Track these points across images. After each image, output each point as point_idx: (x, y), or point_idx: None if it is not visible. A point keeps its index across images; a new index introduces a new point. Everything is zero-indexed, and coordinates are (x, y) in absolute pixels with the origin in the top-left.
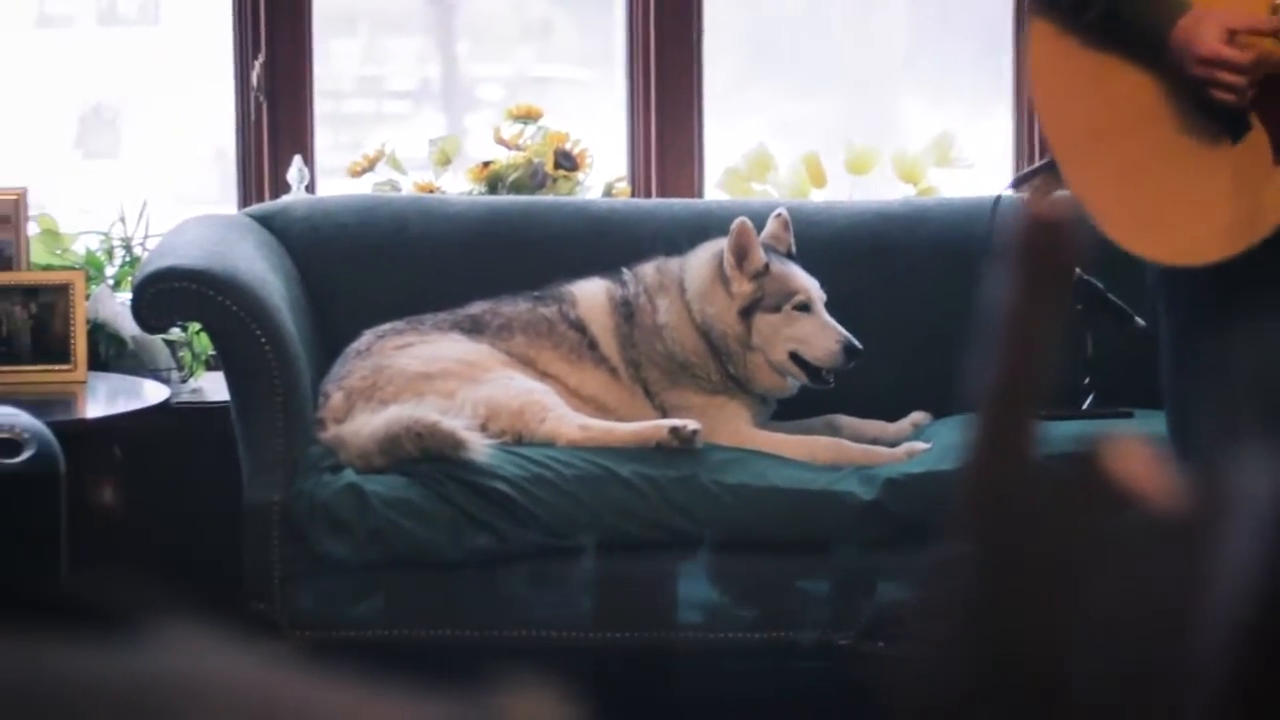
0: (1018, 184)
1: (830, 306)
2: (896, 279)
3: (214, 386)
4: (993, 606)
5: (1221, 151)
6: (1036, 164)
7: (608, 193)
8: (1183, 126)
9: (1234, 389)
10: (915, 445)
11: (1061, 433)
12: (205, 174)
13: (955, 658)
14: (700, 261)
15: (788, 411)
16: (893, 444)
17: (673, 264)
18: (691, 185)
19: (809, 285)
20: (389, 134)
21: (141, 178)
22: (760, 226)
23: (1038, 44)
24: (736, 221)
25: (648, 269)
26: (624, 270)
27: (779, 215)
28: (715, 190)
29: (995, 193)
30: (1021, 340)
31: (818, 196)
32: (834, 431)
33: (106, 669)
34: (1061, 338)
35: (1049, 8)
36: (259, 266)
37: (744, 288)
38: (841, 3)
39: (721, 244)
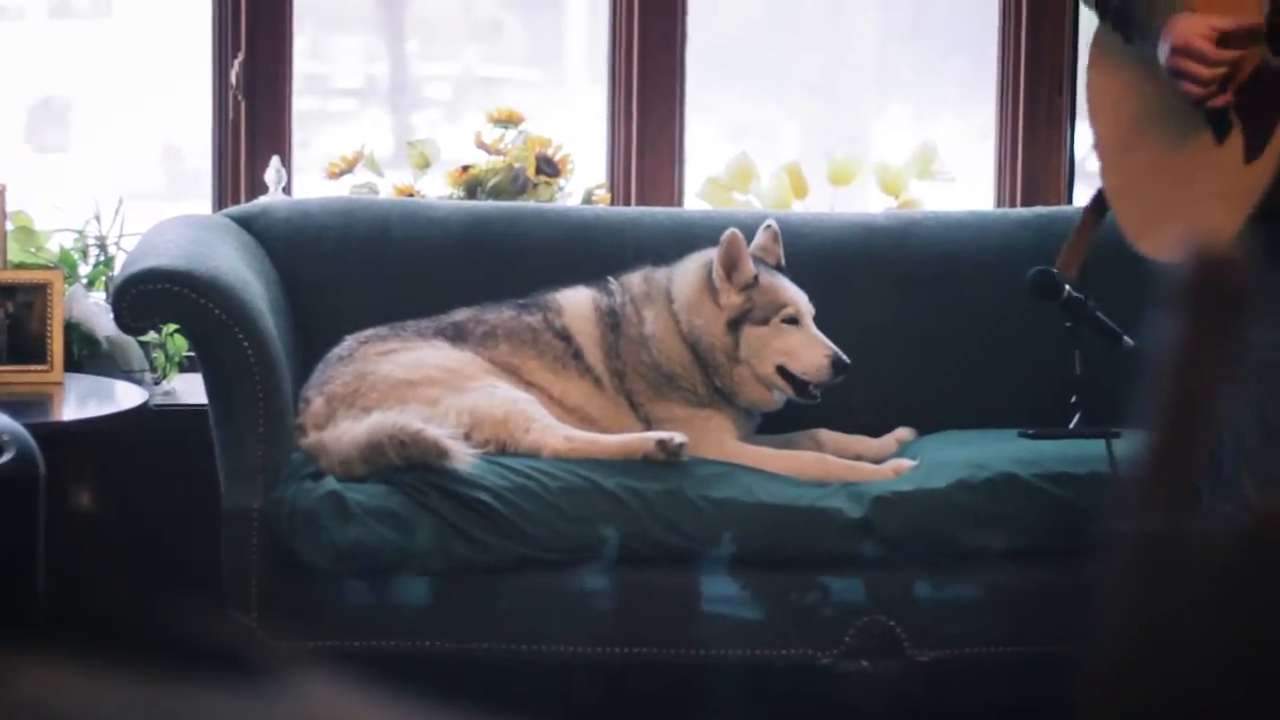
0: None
1: (815, 319)
2: (882, 292)
3: (187, 389)
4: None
5: (1208, 153)
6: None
7: (588, 199)
8: (1189, 128)
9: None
10: (902, 462)
11: (1049, 452)
12: (154, 171)
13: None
14: (688, 272)
15: (771, 426)
16: (877, 460)
17: (660, 274)
18: (671, 193)
19: (798, 298)
20: (335, 133)
21: (91, 173)
22: (747, 237)
23: (1095, 61)
24: (727, 233)
25: (634, 279)
26: (610, 280)
27: (768, 227)
28: (694, 199)
29: (985, 208)
30: (1191, 389)
31: (798, 207)
32: (818, 446)
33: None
34: (1226, 384)
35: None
36: (240, 269)
37: (733, 299)
38: (812, 13)
39: (710, 255)
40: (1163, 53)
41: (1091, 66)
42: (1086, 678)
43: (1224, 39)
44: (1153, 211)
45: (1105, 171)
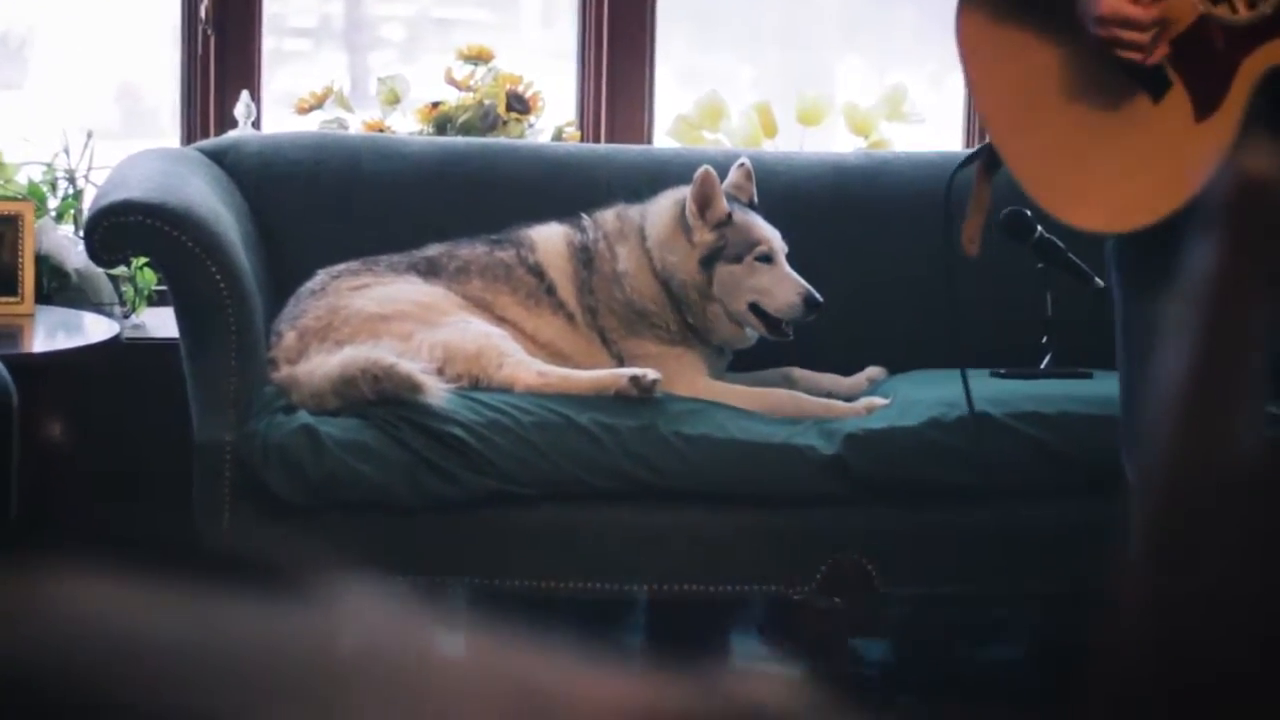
0: (967, 162)
1: (787, 257)
2: (854, 231)
3: (156, 322)
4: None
5: (1143, 114)
6: (981, 145)
7: (557, 137)
8: (1107, 91)
9: None
10: (875, 400)
11: (1020, 392)
12: (110, 108)
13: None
14: (661, 209)
15: (743, 364)
16: (848, 398)
17: (633, 211)
18: (641, 131)
19: (771, 236)
20: (290, 71)
21: (48, 110)
22: (720, 176)
23: (968, 22)
24: (700, 170)
25: (608, 215)
26: (583, 216)
27: (742, 165)
28: (664, 137)
29: (954, 149)
30: (1233, 309)
31: (768, 146)
32: (789, 384)
33: (289, 628)
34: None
35: None
36: (212, 202)
37: (706, 237)
38: None
39: (684, 192)
40: (1089, 23)
41: (965, 19)
42: (1109, 620)
43: None
44: (1082, 180)
45: (1001, 137)
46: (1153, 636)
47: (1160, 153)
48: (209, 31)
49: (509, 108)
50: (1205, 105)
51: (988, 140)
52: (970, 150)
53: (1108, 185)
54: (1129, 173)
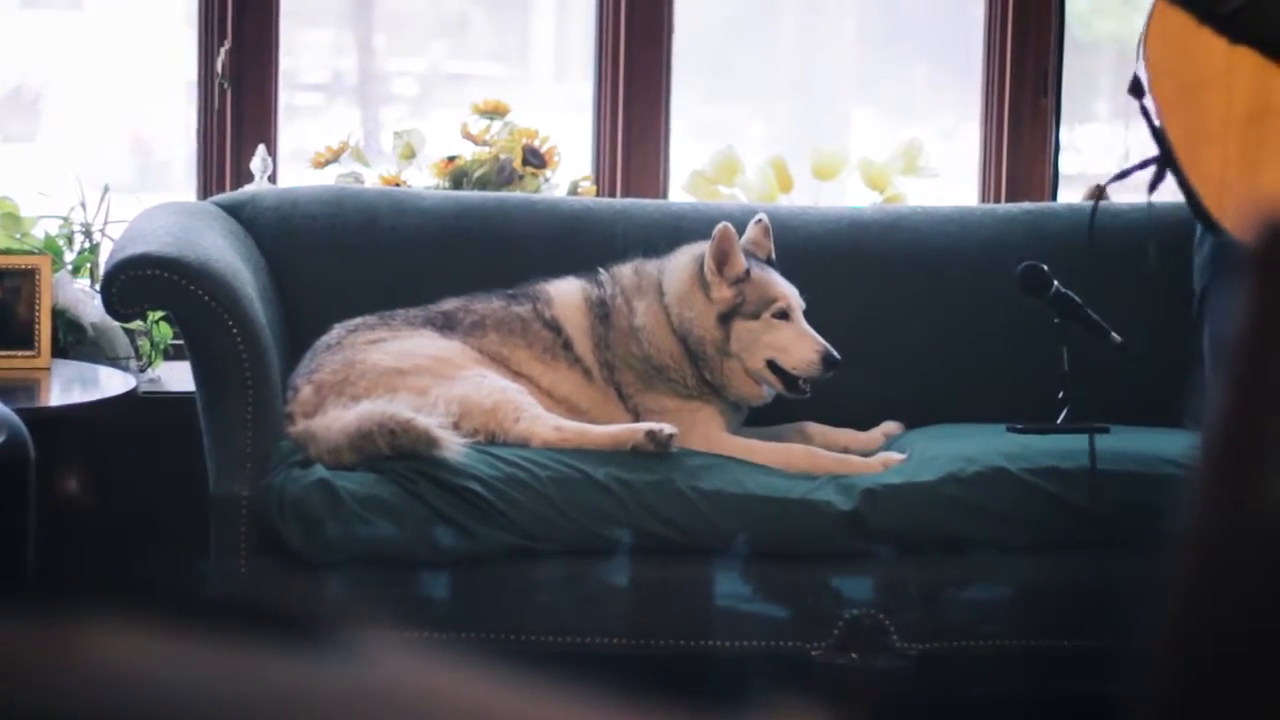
0: (1120, 177)
1: (805, 314)
2: (870, 285)
3: (172, 376)
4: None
5: None
6: (1139, 161)
7: (573, 191)
8: None
9: None
10: (891, 455)
11: (1037, 446)
12: (123, 162)
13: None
14: (680, 265)
15: (758, 418)
16: (864, 454)
17: (651, 266)
18: (656, 186)
19: (789, 293)
20: (302, 127)
21: (60, 163)
22: (736, 231)
23: (1161, 43)
24: (720, 226)
25: (625, 270)
26: (600, 270)
27: (759, 221)
28: (679, 192)
29: (969, 203)
30: (1266, 364)
31: (784, 201)
32: (805, 439)
33: (315, 680)
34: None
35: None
36: (229, 256)
37: (724, 293)
38: (787, 13)
39: (702, 248)
40: None
41: (1152, 44)
42: (1141, 675)
43: None
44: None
45: (1187, 161)
46: (1182, 690)
47: None
48: (225, 85)
49: (525, 162)
50: None
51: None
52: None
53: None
54: None
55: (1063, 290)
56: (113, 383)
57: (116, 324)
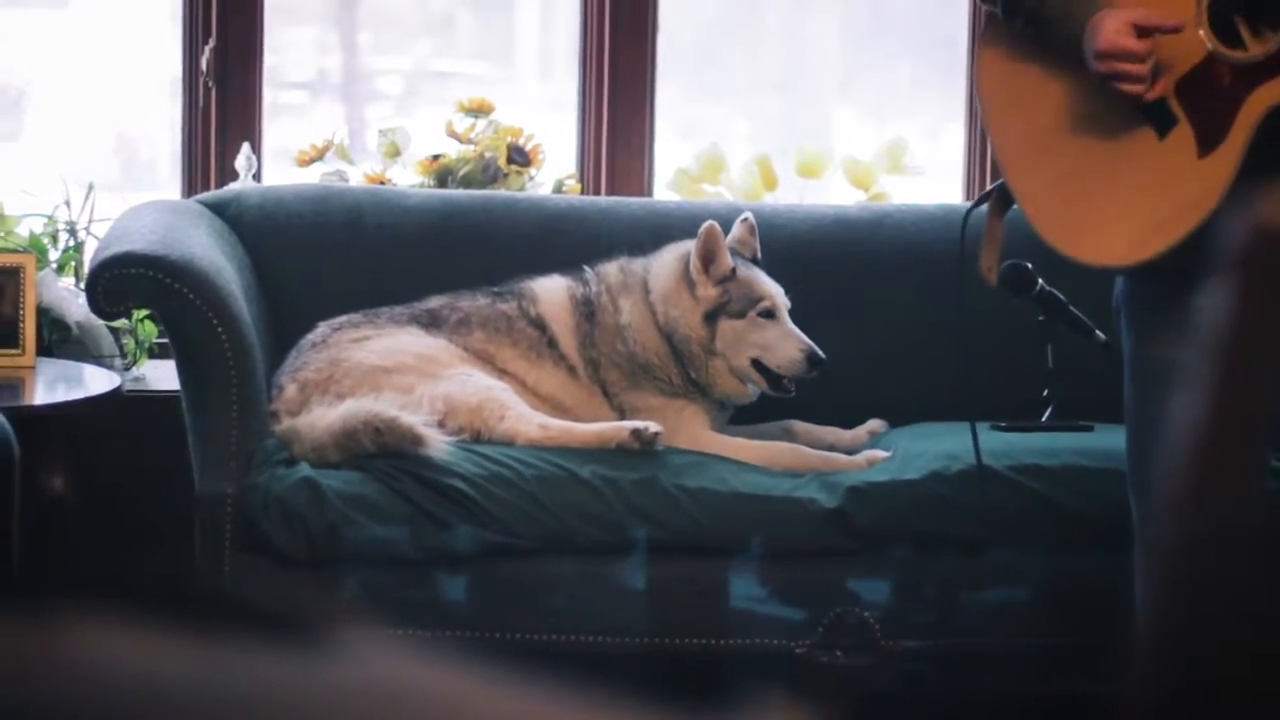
0: (980, 201)
1: (790, 313)
2: (854, 283)
3: (156, 374)
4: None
5: (1149, 150)
6: (995, 183)
7: (558, 189)
8: (1115, 127)
9: None
10: (876, 453)
11: (1021, 445)
12: (108, 161)
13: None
14: (665, 263)
15: (743, 416)
16: (849, 451)
17: (636, 264)
18: (641, 184)
19: (774, 292)
20: (286, 125)
21: (44, 162)
22: (722, 229)
23: (985, 62)
24: (705, 225)
25: (610, 268)
26: (586, 269)
27: (745, 220)
28: (664, 190)
29: (954, 201)
30: (1250, 358)
31: (768, 199)
32: (790, 437)
33: (303, 677)
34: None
35: (991, 20)
36: (214, 254)
37: (709, 292)
38: (775, 12)
39: (687, 246)
40: (1089, 58)
41: (982, 66)
42: (1129, 676)
43: (1141, 31)
44: (1086, 215)
45: (1013, 175)
46: (1165, 684)
47: (1160, 190)
48: (210, 84)
49: (510, 160)
50: (1207, 141)
51: (1001, 179)
52: (982, 192)
53: (1104, 219)
54: (1128, 208)
55: (1047, 289)
56: (97, 381)
57: (101, 322)
